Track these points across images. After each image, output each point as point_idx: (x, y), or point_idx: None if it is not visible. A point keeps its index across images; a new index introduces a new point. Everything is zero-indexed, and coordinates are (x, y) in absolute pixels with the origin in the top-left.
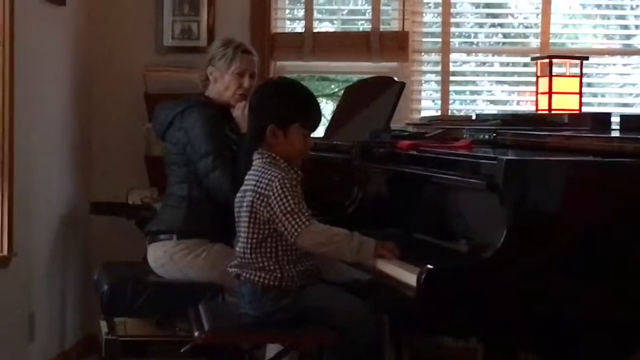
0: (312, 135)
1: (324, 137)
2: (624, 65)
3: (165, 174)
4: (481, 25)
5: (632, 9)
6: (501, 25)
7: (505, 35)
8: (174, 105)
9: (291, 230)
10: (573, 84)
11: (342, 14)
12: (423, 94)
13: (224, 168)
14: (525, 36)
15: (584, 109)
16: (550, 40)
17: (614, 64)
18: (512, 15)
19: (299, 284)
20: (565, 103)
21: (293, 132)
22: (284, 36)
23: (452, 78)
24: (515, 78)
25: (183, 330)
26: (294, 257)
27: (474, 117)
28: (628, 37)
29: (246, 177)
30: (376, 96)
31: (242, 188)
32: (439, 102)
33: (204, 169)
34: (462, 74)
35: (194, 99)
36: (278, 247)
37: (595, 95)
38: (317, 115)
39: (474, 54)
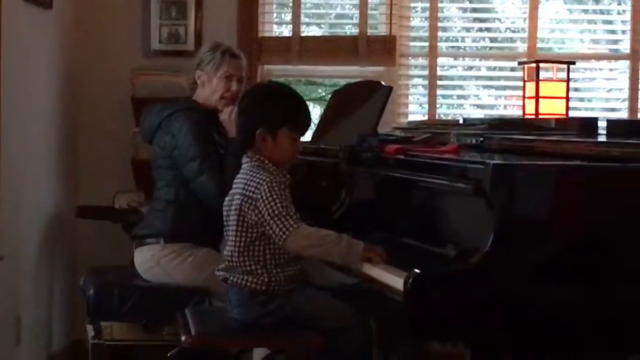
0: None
1: (311, 141)
2: (611, 70)
3: (153, 177)
4: (468, 30)
5: (618, 13)
6: (488, 29)
7: (492, 40)
8: (162, 109)
9: (279, 233)
10: (560, 89)
11: (330, 18)
12: (410, 98)
13: (210, 172)
14: (513, 41)
15: (571, 114)
16: (537, 45)
17: (601, 69)
18: (499, 19)
19: (286, 288)
20: (552, 107)
21: (282, 136)
22: (271, 40)
23: (439, 82)
24: (502, 82)
25: (170, 334)
26: (281, 260)
27: (461, 122)
28: (615, 42)
29: (235, 181)
30: (363, 100)
31: (231, 192)
32: (426, 106)
33: (191, 173)
34: (449, 78)
35: (182, 103)
36: (266, 250)
37: (582, 99)
38: (306, 118)
39: (461, 58)
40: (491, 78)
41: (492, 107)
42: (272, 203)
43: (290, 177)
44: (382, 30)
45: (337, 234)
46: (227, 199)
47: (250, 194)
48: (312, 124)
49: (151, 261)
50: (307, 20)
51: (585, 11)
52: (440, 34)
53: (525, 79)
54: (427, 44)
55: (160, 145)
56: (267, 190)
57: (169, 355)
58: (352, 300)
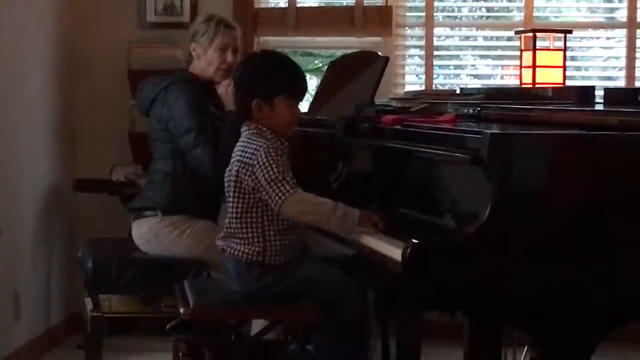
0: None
1: (308, 112)
2: (608, 38)
3: (150, 150)
4: (465, 0)
5: None
6: None
7: (488, 10)
8: (158, 81)
9: (275, 199)
10: (557, 58)
11: None
12: (407, 68)
13: (206, 145)
14: (509, 10)
15: (568, 83)
16: (534, 14)
17: (598, 38)
18: None
19: (283, 259)
20: (549, 77)
21: (278, 104)
22: (267, 11)
23: (435, 52)
24: (499, 52)
25: (168, 306)
26: (279, 227)
27: (458, 92)
28: (611, 10)
29: (234, 150)
30: (360, 71)
31: (231, 161)
32: (423, 76)
33: (187, 146)
34: (446, 48)
35: (178, 75)
36: (264, 217)
37: (578, 69)
38: (301, 84)
39: (457, 28)
40: (488, 48)
41: (489, 76)
42: (268, 168)
43: (289, 146)
44: (379, 0)
45: (333, 202)
46: (227, 168)
47: (247, 160)
48: (307, 90)
49: (149, 234)
50: None
51: None
52: (436, 3)
53: (522, 48)
54: (423, 14)
55: (156, 117)
56: (263, 155)
57: (167, 327)
58: (350, 271)
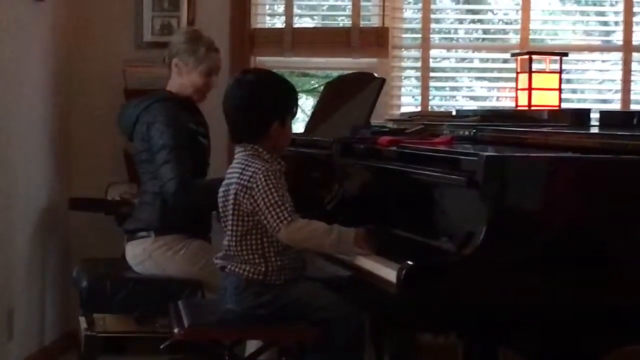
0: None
1: (304, 132)
2: (603, 61)
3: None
4: (461, 22)
5: (611, 5)
6: (481, 21)
7: (485, 32)
8: (138, 103)
9: (273, 224)
10: (553, 80)
11: (322, 10)
12: (403, 89)
13: (175, 163)
14: (505, 32)
15: (564, 105)
16: (530, 37)
17: (593, 60)
18: (492, 11)
19: (283, 279)
20: (544, 99)
21: (288, 124)
22: (264, 31)
23: (432, 74)
24: (495, 74)
25: (163, 326)
26: (279, 248)
27: (454, 113)
28: (607, 33)
29: (228, 171)
30: (356, 92)
31: (225, 182)
32: (419, 98)
33: (158, 162)
34: (442, 69)
35: (157, 95)
36: (263, 239)
37: (574, 91)
38: (296, 100)
39: (454, 50)
40: (484, 70)
41: (484, 98)
42: (267, 192)
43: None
44: (375, 21)
45: (327, 226)
46: (221, 189)
47: (246, 183)
48: (302, 116)
49: (143, 255)
50: (299, 11)
51: (578, 2)
52: (432, 25)
53: (518, 70)
54: (419, 35)
55: (139, 137)
56: (262, 179)
57: (161, 347)
58: (345, 292)
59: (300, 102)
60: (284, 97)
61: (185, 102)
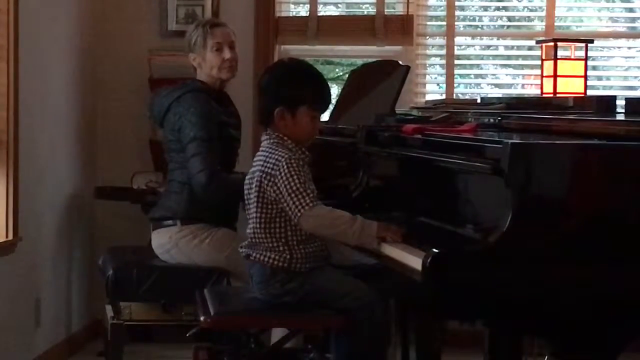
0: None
1: (329, 121)
2: (629, 48)
3: (166, 160)
4: (486, 9)
5: None
6: (506, 8)
7: (510, 19)
8: (171, 92)
9: (294, 211)
10: (578, 67)
11: None
12: (428, 77)
13: (205, 154)
14: (530, 19)
15: (589, 92)
16: (555, 24)
17: (619, 47)
18: None
19: (307, 267)
20: (570, 86)
21: (301, 114)
22: (288, 20)
23: (456, 61)
24: (520, 61)
25: (189, 314)
26: (303, 237)
27: (478, 101)
28: (633, 20)
29: (254, 159)
30: (381, 80)
31: (251, 170)
32: (444, 85)
33: (189, 153)
34: (467, 57)
35: (189, 85)
36: (287, 227)
37: (600, 78)
38: (326, 96)
39: (478, 37)
40: (509, 57)
41: (509, 86)
42: (290, 179)
43: (310, 155)
44: (400, 9)
45: (350, 215)
46: (247, 177)
47: (269, 170)
48: (331, 103)
49: (169, 243)
50: (324, 0)
51: None
52: (457, 13)
53: (543, 57)
54: (444, 23)
55: (170, 127)
56: (285, 166)
57: (187, 335)
58: (370, 279)
59: None
60: (293, 84)
61: (217, 93)
